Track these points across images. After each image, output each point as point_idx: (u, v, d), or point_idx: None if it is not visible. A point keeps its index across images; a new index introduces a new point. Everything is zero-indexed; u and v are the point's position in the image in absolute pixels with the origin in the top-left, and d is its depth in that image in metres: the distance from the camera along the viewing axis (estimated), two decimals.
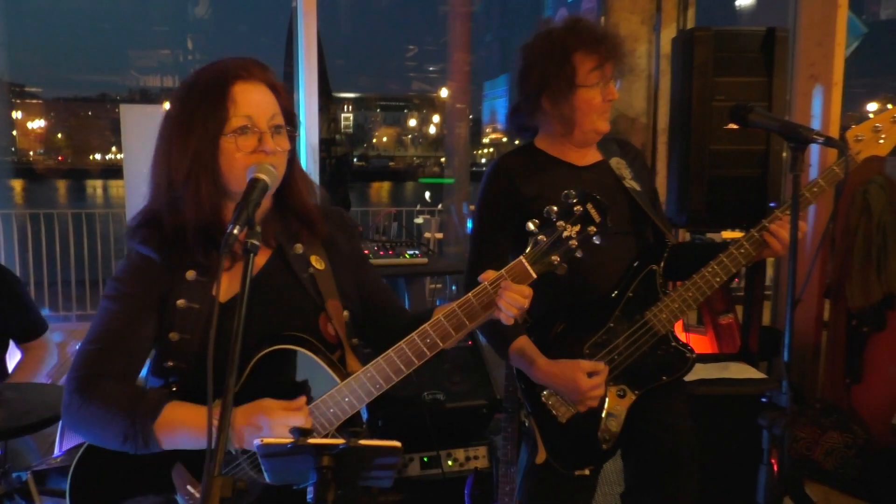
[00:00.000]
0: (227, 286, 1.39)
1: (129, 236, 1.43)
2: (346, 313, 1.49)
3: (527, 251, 1.36)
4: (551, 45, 1.89)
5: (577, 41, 1.87)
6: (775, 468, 1.57)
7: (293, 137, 1.44)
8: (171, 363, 1.40)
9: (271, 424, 1.25)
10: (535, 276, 1.35)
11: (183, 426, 1.30)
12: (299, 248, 1.48)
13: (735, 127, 1.99)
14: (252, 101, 1.36)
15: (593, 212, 1.35)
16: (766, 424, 1.58)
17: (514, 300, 1.34)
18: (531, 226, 1.36)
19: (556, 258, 1.34)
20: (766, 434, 1.59)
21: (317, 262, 1.48)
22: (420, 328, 1.36)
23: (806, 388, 3.56)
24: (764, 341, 3.22)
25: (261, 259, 1.46)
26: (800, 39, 3.67)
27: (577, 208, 1.34)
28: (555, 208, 1.34)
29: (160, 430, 1.30)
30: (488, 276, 1.36)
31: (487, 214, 1.99)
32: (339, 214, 1.59)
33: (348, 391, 1.36)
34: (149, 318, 1.39)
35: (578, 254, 1.35)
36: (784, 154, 2.97)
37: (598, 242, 1.35)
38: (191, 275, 1.39)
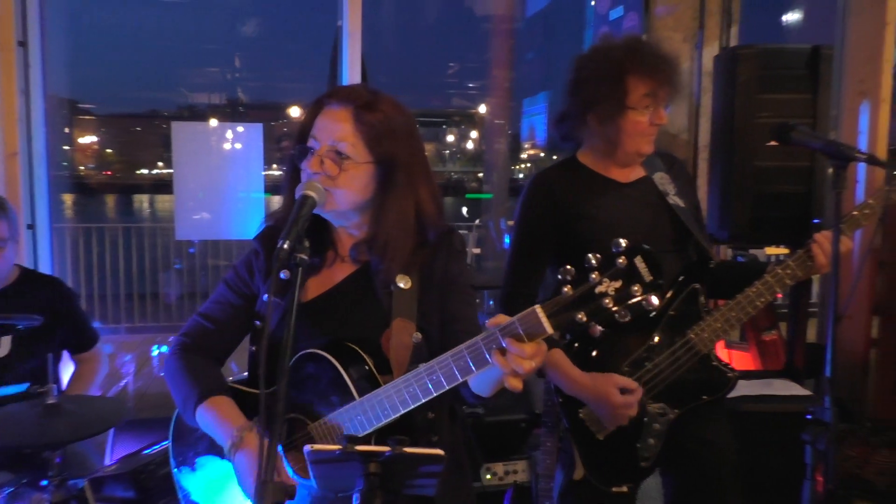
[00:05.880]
0: (314, 287, 1.53)
1: (257, 231, 1.63)
2: (417, 335, 1.47)
3: (547, 300, 1.14)
4: (607, 63, 1.86)
5: (633, 64, 1.83)
6: (820, 484, 1.56)
7: (382, 166, 1.45)
8: (254, 348, 1.57)
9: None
10: (549, 331, 1.13)
11: (214, 421, 1.47)
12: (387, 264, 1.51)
13: (778, 144, 1.99)
14: (320, 125, 1.45)
15: (642, 267, 1.10)
16: (810, 440, 1.57)
17: (513, 362, 1.16)
18: (566, 271, 1.13)
19: (581, 316, 1.11)
20: (809, 450, 1.58)
21: (402, 281, 1.49)
22: (429, 363, 1.30)
23: (855, 407, 3.48)
24: (810, 358, 3.17)
25: (347, 269, 1.55)
26: (848, 56, 3.63)
27: (621, 260, 1.09)
28: (598, 255, 1.11)
29: (200, 415, 1.48)
30: (500, 320, 1.20)
31: (527, 230, 1.98)
32: (448, 236, 1.55)
33: (360, 410, 1.37)
34: (246, 305, 1.59)
35: (619, 316, 1.11)
36: (830, 170, 2.94)
37: (648, 308, 1.10)
38: (286, 272, 1.52)
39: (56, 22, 3.78)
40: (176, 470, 1.63)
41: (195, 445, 1.60)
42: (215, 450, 1.55)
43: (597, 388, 1.80)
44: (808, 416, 1.63)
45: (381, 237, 1.47)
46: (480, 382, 1.35)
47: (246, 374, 1.63)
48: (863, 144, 3.50)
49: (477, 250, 7.47)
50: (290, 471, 1.44)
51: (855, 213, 1.87)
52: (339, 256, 1.56)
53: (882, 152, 3.46)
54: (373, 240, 1.49)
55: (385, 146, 1.45)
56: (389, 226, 1.47)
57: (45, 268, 3.47)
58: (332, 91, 1.48)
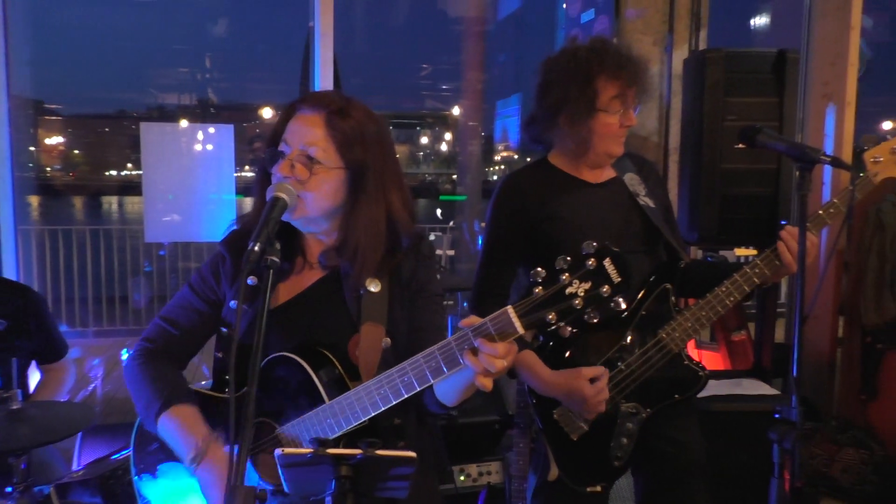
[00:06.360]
0: (282, 293, 1.52)
1: (223, 236, 1.60)
2: (387, 340, 1.46)
3: (519, 300, 1.17)
4: (576, 66, 1.86)
5: (601, 65, 1.84)
6: (786, 483, 1.58)
7: (353, 172, 1.44)
8: (219, 354, 1.55)
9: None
10: (521, 331, 1.16)
11: (176, 432, 1.45)
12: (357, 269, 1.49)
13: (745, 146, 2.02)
14: (291, 130, 1.44)
15: (611, 269, 1.13)
16: (777, 439, 1.59)
17: (485, 361, 1.18)
18: (537, 273, 1.16)
19: (552, 316, 1.14)
20: (776, 448, 1.60)
21: (373, 285, 1.47)
22: (400, 365, 1.30)
23: (822, 405, 3.54)
24: (778, 358, 3.22)
25: (316, 275, 1.53)
26: (813, 60, 3.70)
27: (591, 262, 1.13)
28: (568, 258, 1.14)
29: (162, 424, 1.46)
30: (472, 320, 1.22)
31: (497, 231, 1.99)
32: (417, 240, 1.54)
33: (330, 413, 1.37)
34: (211, 310, 1.57)
35: (588, 317, 1.14)
36: (796, 172, 2.99)
37: (617, 309, 1.14)
38: (253, 278, 1.48)
39: (20, 21, 3.71)
40: (136, 478, 1.60)
41: (157, 453, 1.57)
42: (177, 456, 1.53)
43: (569, 385, 1.82)
44: (776, 416, 1.65)
45: (352, 243, 1.46)
46: (447, 390, 1.35)
47: (210, 381, 1.60)
48: (828, 147, 3.56)
49: (451, 252, 7.49)
50: (255, 477, 1.42)
51: (820, 212, 1.91)
52: (308, 263, 1.54)
53: (847, 155, 3.53)
54: (342, 246, 1.48)
55: (356, 152, 1.44)
56: (360, 232, 1.45)
57: (9, 270, 3.41)
58: (305, 96, 1.48)
